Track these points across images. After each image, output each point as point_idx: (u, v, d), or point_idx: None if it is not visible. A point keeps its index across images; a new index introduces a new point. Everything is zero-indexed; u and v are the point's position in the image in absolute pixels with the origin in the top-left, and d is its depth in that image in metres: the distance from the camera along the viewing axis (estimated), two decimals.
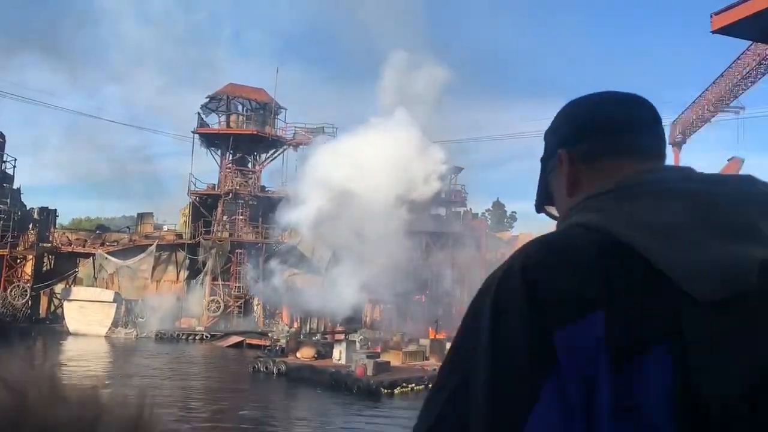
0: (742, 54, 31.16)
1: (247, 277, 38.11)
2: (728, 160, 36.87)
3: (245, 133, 40.28)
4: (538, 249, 0.85)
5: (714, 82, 34.88)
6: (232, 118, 41.62)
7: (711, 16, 14.37)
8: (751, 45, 28.99)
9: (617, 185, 0.91)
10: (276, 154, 42.28)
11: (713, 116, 36.71)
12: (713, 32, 14.31)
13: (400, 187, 33.41)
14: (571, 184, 1.00)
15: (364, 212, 31.23)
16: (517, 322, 0.80)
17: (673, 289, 0.78)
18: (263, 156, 42.83)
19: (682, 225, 0.82)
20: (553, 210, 1.08)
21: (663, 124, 1.06)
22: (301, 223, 33.71)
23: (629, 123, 1.00)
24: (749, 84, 32.07)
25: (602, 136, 0.99)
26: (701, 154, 74.01)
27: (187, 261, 39.60)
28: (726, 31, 14.17)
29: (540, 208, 1.12)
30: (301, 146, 39.77)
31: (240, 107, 42.38)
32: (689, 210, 0.83)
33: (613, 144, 0.98)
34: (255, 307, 38.64)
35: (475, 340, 0.82)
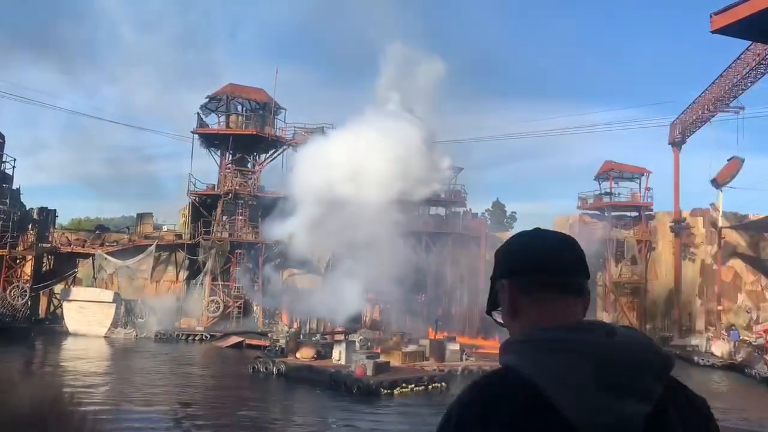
0: (741, 54, 31.14)
1: (243, 280, 38.07)
2: (728, 160, 36.86)
3: (245, 134, 40.23)
4: (485, 395, 1.16)
5: (714, 82, 34.85)
6: (232, 118, 41.57)
7: (711, 16, 14.37)
8: (751, 45, 28.98)
9: (545, 337, 1.19)
10: (276, 155, 42.28)
11: (713, 116, 36.65)
12: (713, 32, 14.30)
13: (398, 187, 33.21)
14: (511, 309, 1.32)
15: (360, 214, 31.06)
16: None
17: None
18: (263, 156, 42.80)
19: (589, 384, 1.10)
20: (498, 317, 1.37)
21: (583, 261, 1.34)
22: (296, 231, 33.44)
23: (558, 265, 1.29)
24: (749, 84, 32.04)
25: (535, 275, 1.28)
26: (701, 154, 74.09)
27: (187, 261, 39.57)
28: (726, 31, 14.16)
29: (489, 312, 1.41)
30: (299, 146, 39.67)
31: (240, 107, 42.34)
32: (596, 371, 1.11)
33: (544, 282, 1.28)
34: (255, 308, 38.62)
35: None
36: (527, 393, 1.12)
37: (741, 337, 33.73)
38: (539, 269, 1.28)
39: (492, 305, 1.39)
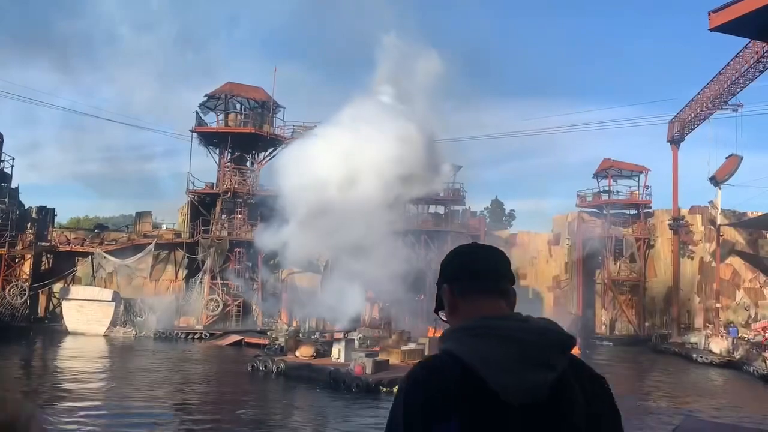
0: (740, 52, 31.16)
1: (240, 279, 37.98)
2: (726, 158, 36.89)
3: (243, 132, 40.20)
4: (426, 371, 1.49)
5: (712, 80, 34.87)
6: (231, 116, 41.53)
7: (709, 14, 14.42)
8: (749, 43, 29.01)
9: (474, 325, 1.52)
10: (274, 153, 42.18)
11: (711, 114, 36.69)
12: (712, 30, 14.36)
13: (394, 186, 32.84)
14: (451, 308, 1.67)
15: (356, 214, 30.74)
16: (415, 416, 1.44)
17: (500, 399, 1.40)
18: (262, 155, 42.79)
19: (508, 359, 1.43)
20: (443, 315, 1.72)
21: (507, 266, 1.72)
22: (290, 237, 32.91)
23: (486, 273, 1.65)
24: (747, 81, 32.06)
25: (470, 281, 1.64)
26: (700, 152, 74.00)
27: (186, 260, 39.57)
28: (724, 28, 14.22)
29: (436, 311, 1.74)
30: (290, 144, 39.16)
31: (238, 106, 42.31)
32: (513, 350, 1.44)
33: (477, 286, 1.63)
34: (254, 306, 38.63)
35: (396, 423, 1.47)
36: (460, 368, 1.44)
37: (739, 335, 33.79)
38: (471, 276, 1.64)
39: (438, 306, 1.74)
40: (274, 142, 41.39)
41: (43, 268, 38.01)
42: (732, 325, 35.21)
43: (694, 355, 32.54)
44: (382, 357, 23.55)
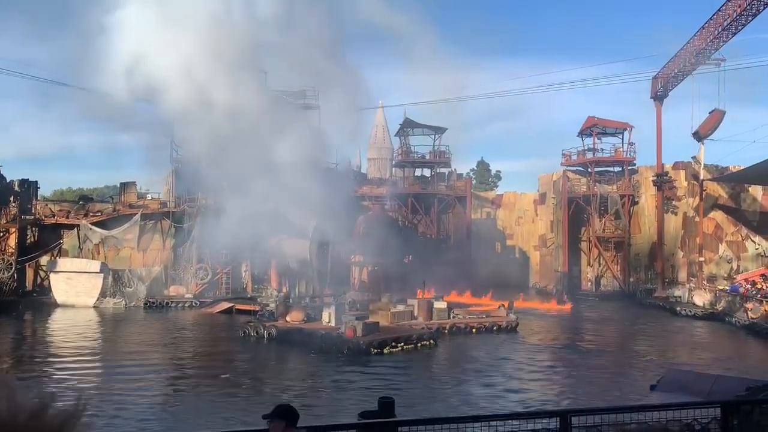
0: (723, 5, 31.05)
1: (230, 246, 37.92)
2: (709, 113, 37.05)
3: None
4: None
5: (695, 35, 34.78)
6: None
7: None
8: None
9: None
10: None
11: (694, 69, 36.68)
12: None
13: None
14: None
15: None
16: None
17: None
18: None
19: None
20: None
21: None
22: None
23: (297, 418, 3.80)
24: (730, 35, 32.02)
25: (287, 420, 3.72)
26: (683, 108, 74.20)
27: (173, 229, 39.42)
28: None
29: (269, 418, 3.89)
30: None
31: None
32: None
33: (291, 422, 3.73)
34: (243, 273, 38.72)
35: None
36: None
37: (720, 287, 34.38)
38: (289, 418, 3.69)
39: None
40: None
41: (28, 241, 37.72)
42: (735, 281, 35.44)
43: (678, 308, 33.22)
44: (372, 319, 23.83)
